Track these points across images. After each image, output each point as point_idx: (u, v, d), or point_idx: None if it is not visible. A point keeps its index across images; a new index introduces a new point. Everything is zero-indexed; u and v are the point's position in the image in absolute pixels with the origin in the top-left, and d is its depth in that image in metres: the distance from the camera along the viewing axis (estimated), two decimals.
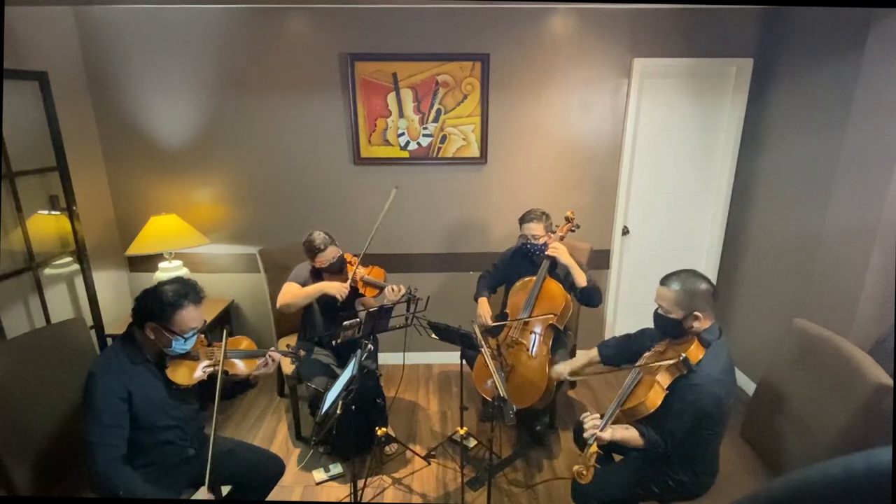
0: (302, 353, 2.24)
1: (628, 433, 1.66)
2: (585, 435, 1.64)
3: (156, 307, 1.62)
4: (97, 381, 1.57)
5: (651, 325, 1.82)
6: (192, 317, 1.65)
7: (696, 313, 1.64)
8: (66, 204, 2.62)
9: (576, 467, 1.62)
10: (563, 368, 2.13)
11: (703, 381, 1.57)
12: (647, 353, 1.80)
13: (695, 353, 1.61)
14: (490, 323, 2.50)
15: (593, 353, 2.08)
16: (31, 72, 2.43)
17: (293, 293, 2.42)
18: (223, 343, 1.80)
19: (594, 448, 1.61)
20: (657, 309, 1.73)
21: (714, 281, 3.34)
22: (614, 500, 1.80)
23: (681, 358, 1.60)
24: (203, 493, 1.65)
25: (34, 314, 2.50)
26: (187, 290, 1.66)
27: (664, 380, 1.63)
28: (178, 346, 1.66)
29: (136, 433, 1.63)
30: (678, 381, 1.62)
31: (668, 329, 1.71)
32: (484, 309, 2.60)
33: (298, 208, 3.22)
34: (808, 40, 2.67)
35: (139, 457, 1.66)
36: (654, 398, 1.61)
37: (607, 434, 1.63)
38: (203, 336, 1.81)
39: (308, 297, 2.41)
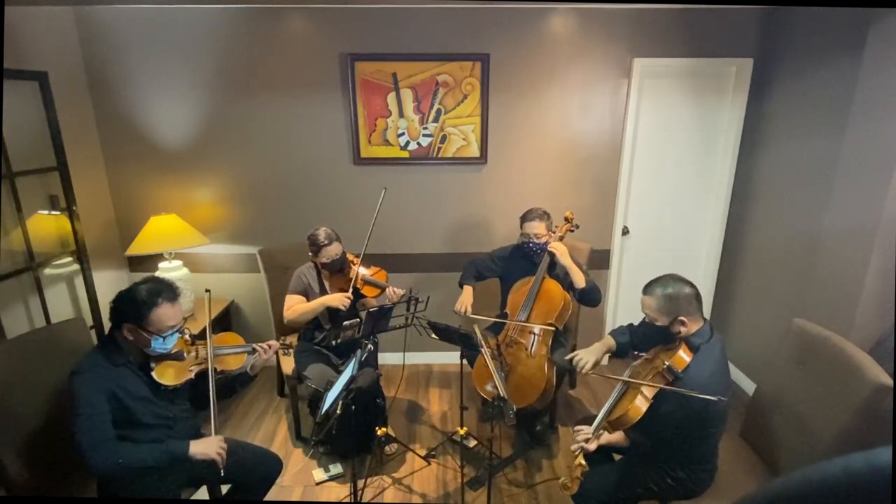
0: (293, 343, 2.22)
1: (613, 437, 1.70)
2: (573, 447, 1.67)
3: (130, 308, 1.60)
4: (78, 380, 1.56)
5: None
6: (169, 315, 1.63)
7: (680, 318, 1.63)
8: (66, 204, 2.63)
9: (562, 479, 1.66)
10: (588, 359, 1.95)
11: (690, 386, 1.55)
12: (634, 363, 1.80)
13: (682, 358, 1.60)
14: (470, 313, 2.49)
15: (609, 341, 2.04)
16: (31, 72, 2.44)
17: (298, 310, 2.44)
18: (208, 340, 1.78)
19: (580, 460, 1.64)
20: (644, 317, 1.72)
21: (714, 281, 3.40)
22: (613, 499, 1.80)
23: (665, 366, 1.59)
24: (213, 441, 1.66)
25: (34, 314, 2.50)
26: (161, 289, 1.64)
27: (650, 391, 1.63)
28: (158, 345, 1.65)
29: (123, 432, 1.61)
30: (664, 389, 1.61)
31: (656, 335, 1.72)
32: (466, 297, 2.57)
33: (298, 208, 3.22)
34: (808, 40, 2.67)
35: None
36: (639, 408, 1.61)
37: (593, 445, 1.66)
38: (186, 335, 1.78)
39: (312, 312, 2.45)
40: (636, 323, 2.06)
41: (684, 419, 1.59)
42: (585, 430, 1.69)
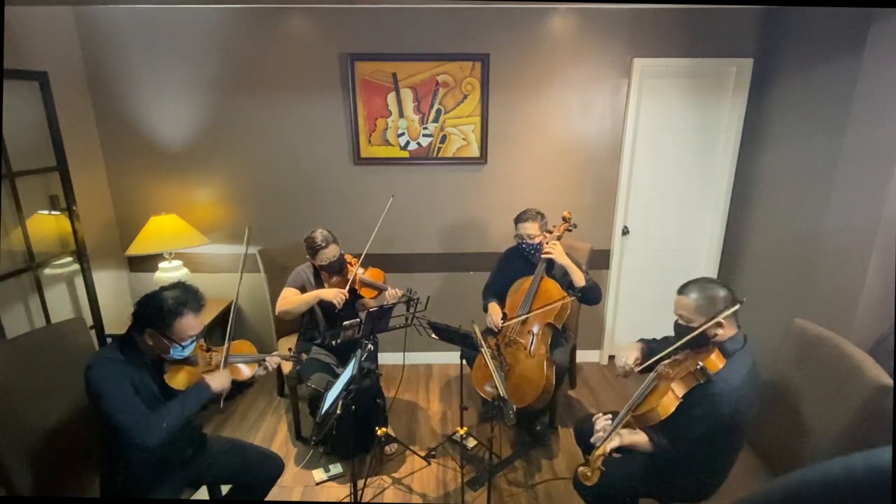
0: (304, 356, 2.24)
1: (637, 437, 1.66)
2: (593, 439, 1.63)
3: (155, 314, 1.60)
4: (96, 372, 1.56)
5: (669, 332, 1.78)
6: (192, 325, 1.64)
7: (718, 320, 1.59)
8: (66, 204, 2.63)
9: (581, 468, 1.61)
10: (627, 358, 1.83)
11: (722, 390, 1.53)
12: (664, 361, 1.74)
13: (714, 362, 1.56)
14: (501, 324, 2.49)
15: (641, 345, 1.93)
16: (31, 72, 2.44)
17: (291, 300, 2.43)
18: (225, 349, 1.80)
19: (601, 451, 1.59)
20: (677, 319, 1.67)
21: None
22: (615, 493, 1.80)
23: (698, 367, 1.55)
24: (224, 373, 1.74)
25: (34, 314, 2.50)
26: (187, 298, 1.64)
27: (679, 388, 1.59)
28: (177, 353, 1.65)
29: None
30: (695, 389, 1.58)
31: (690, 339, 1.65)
32: (495, 313, 2.57)
33: (298, 208, 3.22)
34: (808, 40, 2.67)
35: (136, 455, 1.65)
36: (667, 405, 1.57)
37: (616, 441, 1.62)
38: (201, 341, 1.80)
39: (306, 303, 2.43)
40: (635, 329, 2.03)
41: (712, 425, 1.55)
42: (605, 418, 1.65)
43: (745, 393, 1.54)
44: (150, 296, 1.65)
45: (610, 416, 1.68)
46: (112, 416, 1.52)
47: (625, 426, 1.67)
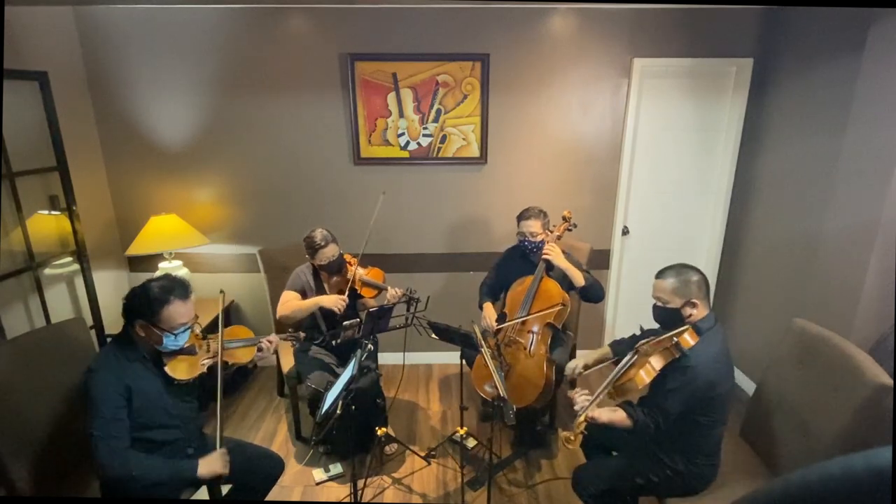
0: (302, 335, 2.24)
1: (615, 415, 1.72)
2: (576, 407, 1.72)
3: (143, 305, 1.61)
4: (96, 376, 1.57)
5: (655, 326, 1.85)
6: (180, 312, 1.64)
7: (692, 300, 1.70)
8: (66, 204, 2.62)
9: (564, 433, 1.69)
10: (576, 363, 2.11)
11: (695, 363, 1.63)
12: (642, 341, 1.85)
13: (688, 339, 1.67)
14: (495, 326, 2.50)
15: (606, 350, 2.12)
16: (31, 72, 2.44)
17: (291, 307, 2.42)
18: (220, 334, 1.79)
19: (583, 418, 1.68)
20: (655, 303, 1.78)
21: (714, 281, 3.39)
22: (614, 489, 1.81)
23: (673, 342, 1.66)
24: (218, 457, 1.66)
25: (34, 314, 2.50)
26: (173, 286, 1.65)
27: (657, 362, 1.68)
28: (170, 342, 1.65)
29: (135, 432, 1.62)
30: (671, 364, 1.67)
31: (667, 319, 1.77)
32: (489, 314, 2.60)
33: (298, 208, 3.23)
34: (808, 40, 2.67)
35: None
36: (644, 377, 1.67)
37: (595, 413, 1.69)
38: (197, 330, 1.80)
39: (306, 310, 2.42)
40: (638, 330, 2.07)
41: (688, 399, 1.63)
42: (584, 392, 1.75)
43: (717, 367, 1.65)
44: (136, 288, 1.66)
45: (587, 391, 1.77)
46: (91, 434, 1.53)
47: (605, 403, 1.75)
